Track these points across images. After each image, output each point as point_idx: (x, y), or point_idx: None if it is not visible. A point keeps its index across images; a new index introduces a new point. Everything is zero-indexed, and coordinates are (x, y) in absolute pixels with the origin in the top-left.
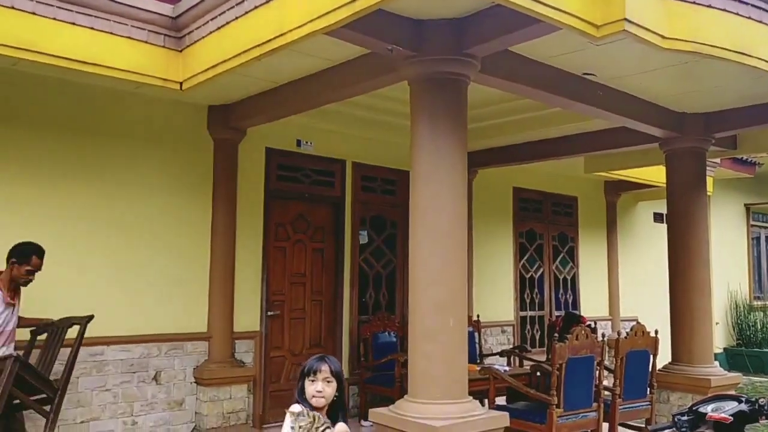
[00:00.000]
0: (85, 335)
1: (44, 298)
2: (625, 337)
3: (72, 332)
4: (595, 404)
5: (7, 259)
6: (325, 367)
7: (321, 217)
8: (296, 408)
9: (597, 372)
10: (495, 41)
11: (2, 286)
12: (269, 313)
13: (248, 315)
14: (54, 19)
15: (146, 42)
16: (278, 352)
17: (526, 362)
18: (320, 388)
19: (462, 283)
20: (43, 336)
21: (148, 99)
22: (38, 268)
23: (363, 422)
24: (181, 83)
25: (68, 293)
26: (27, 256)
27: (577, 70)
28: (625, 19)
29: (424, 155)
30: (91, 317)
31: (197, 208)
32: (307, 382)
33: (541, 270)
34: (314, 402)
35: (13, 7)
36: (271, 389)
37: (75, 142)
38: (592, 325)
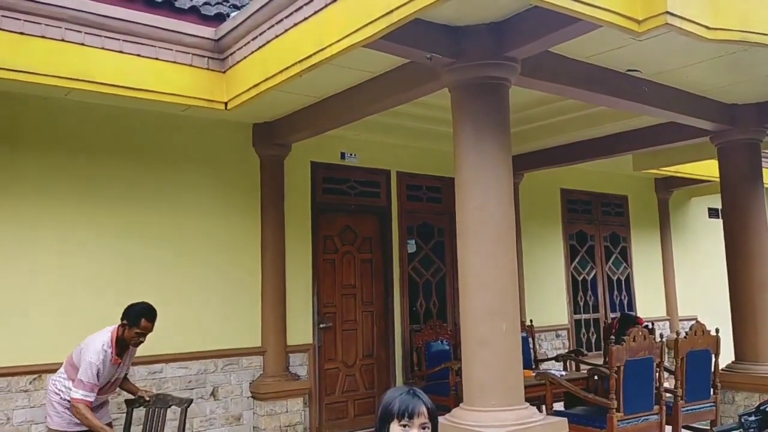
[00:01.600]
0: (144, 353)
1: (104, 317)
2: (685, 337)
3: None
4: (656, 407)
5: (121, 319)
6: (422, 409)
7: (368, 227)
8: None
9: (657, 374)
10: (535, 43)
11: (112, 344)
12: (321, 326)
13: (301, 328)
14: (102, 48)
15: (191, 65)
16: (332, 364)
17: (582, 366)
18: None
19: (513, 287)
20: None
21: (195, 121)
22: (148, 330)
23: None
24: (225, 103)
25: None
26: (137, 319)
27: (621, 67)
28: (668, 12)
29: (469, 161)
30: (190, 401)
31: (247, 225)
32: (395, 427)
33: (594, 272)
34: None
35: (63, 40)
36: (327, 401)
37: (128, 166)
38: (650, 326)
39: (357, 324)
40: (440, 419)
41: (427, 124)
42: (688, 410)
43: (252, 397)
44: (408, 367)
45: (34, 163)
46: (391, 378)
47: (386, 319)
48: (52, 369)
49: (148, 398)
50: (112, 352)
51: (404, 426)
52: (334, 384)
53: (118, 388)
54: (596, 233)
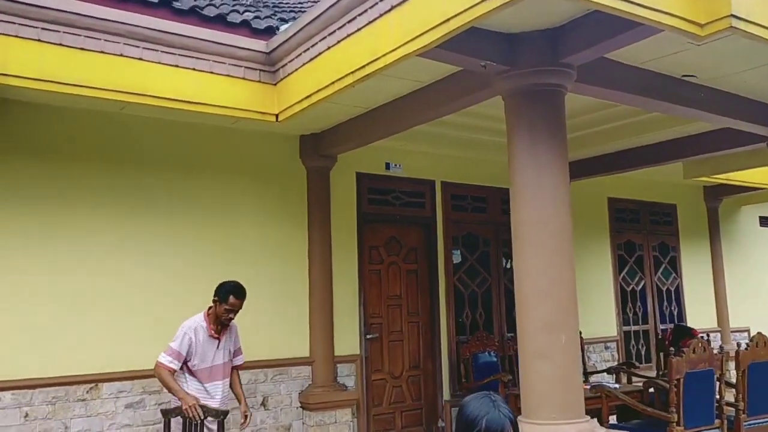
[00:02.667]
0: None
1: (158, 326)
2: (746, 348)
3: None
4: (717, 421)
5: (213, 296)
6: (508, 426)
7: (413, 238)
8: None
9: (717, 386)
10: (592, 49)
11: (209, 320)
12: (368, 336)
13: (348, 338)
14: (159, 63)
15: (243, 78)
16: (379, 375)
17: (635, 379)
18: None
19: (571, 298)
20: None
21: (244, 133)
22: (236, 307)
23: None
24: (276, 115)
25: (177, 322)
26: (226, 296)
27: (677, 72)
28: (732, 15)
29: (525, 170)
30: (226, 412)
31: (294, 236)
32: None
33: (643, 282)
34: None
35: (122, 55)
36: (374, 413)
37: (179, 177)
38: (705, 338)
39: (403, 335)
40: None
41: (473, 134)
42: (750, 424)
43: (301, 407)
44: (455, 378)
45: (91, 176)
46: (438, 390)
47: (432, 330)
48: (108, 378)
49: (247, 420)
50: (206, 325)
51: None
52: (381, 395)
53: (228, 389)
54: (645, 243)
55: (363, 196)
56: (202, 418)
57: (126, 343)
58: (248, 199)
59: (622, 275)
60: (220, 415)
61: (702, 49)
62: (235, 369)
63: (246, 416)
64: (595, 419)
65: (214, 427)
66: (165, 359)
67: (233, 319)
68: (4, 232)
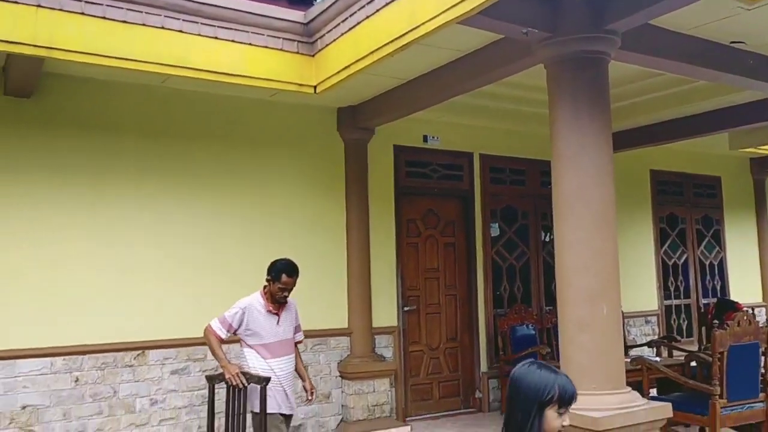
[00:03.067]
0: None
1: (200, 296)
2: None
3: None
4: (762, 394)
5: (266, 275)
6: (576, 394)
7: (451, 211)
8: None
9: (762, 360)
10: (638, 14)
11: (265, 298)
12: (405, 309)
13: (385, 310)
14: (199, 35)
15: (281, 50)
16: (416, 347)
17: (675, 353)
18: (567, 423)
19: (614, 269)
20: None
21: (282, 106)
22: (289, 285)
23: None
24: (314, 86)
25: (218, 292)
26: (279, 274)
27: (725, 39)
28: None
29: (567, 140)
30: (268, 379)
31: (332, 208)
32: (551, 413)
33: (685, 256)
34: None
35: (163, 27)
36: (412, 383)
37: (218, 150)
38: (750, 311)
39: (440, 307)
40: None
41: (512, 105)
42: None
43: (340, 376)
44: (492, 351)
45: (134, 149)
46: (475, 362)
47: (470, 302)
48: (154, 346)
49: (310, 396)
50: (264, 302)
51: (560, 414)
52: (418, 366)
53: (293, 366)
54: (688, 216)
55: (400, 168)
56: (245, 385)
57: (170, 313)
58: (286, 172)
59: (663, 249)
60: (262, 381)
61: (752, 14)
62: (296, 346)
63: (311, 392)
64: (636, 392)
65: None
66: (215, 325)
67: (288, 296)
68: (52, 204)
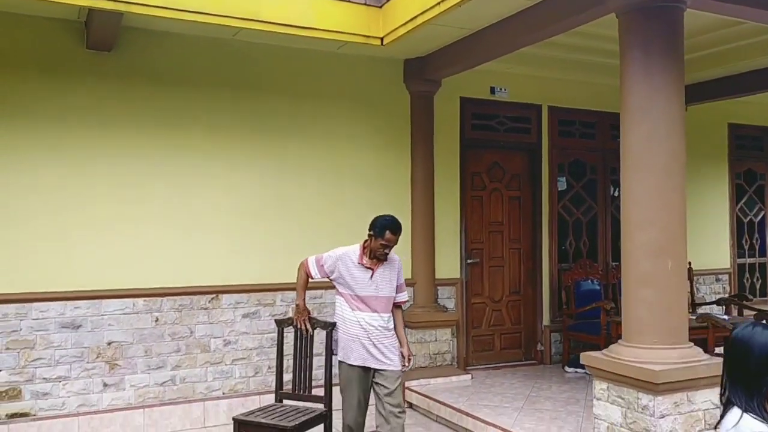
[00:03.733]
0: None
1: (268, 243)
2: None
3: None
4: None
5: (369, 230)
6: None
7: (517, 164)
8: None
9: None
10: None
11: (363, 251)
12: (468, 261)
13: (449, 263)
14: None
15: (349, 1)
16: (479, 299)
17: (746, 312)
18: None
19: (681, 224)
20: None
21: (349, 58)
22: (392, 243)
23: (567, 368)
24: (381, 39)
25: (287, 241)
26: (382, 231)
27: None
28: None
29: (637, 90)
30: (334, 324)
31: (397, 161)
32: None
33: (762, 213)
34: None
35: None
36: (474, 334)
37: (286, 102)
38: None
39: (504, 261)
40: (597, 354)
41: (583, 55)
42: None
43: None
44: (555, 305)
45: (207, 101)
46: (537, 315)
47: (534, 256)
48: (227, 290)
49: (407, 362)
50: (359, 254)
51: None
52: (480, 318)
53: (387, 325)
54: (767, 172)
55: (467, 121)
56: (309, 331)
57: (242, 260)
58: (353, 125)
59: (739, 206)
60: (328, 326)
61: None
62: (398, 308)
63: (408, 358)
64: (699, 347)
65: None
66: (311, 261)
67: (388, 253)
68: (132, 155)
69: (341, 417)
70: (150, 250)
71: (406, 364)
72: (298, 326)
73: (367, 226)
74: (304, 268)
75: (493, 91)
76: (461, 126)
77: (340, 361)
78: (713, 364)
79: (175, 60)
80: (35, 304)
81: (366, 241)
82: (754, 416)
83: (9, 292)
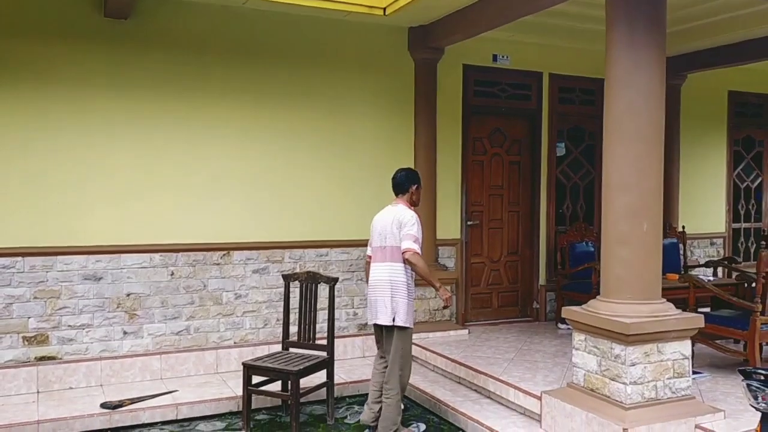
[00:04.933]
0: (313, 238)
1: (279, 203)
2: None
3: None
4: None
5: (412, 184)
6: None
7: (517, 130)
8: None
9: None
10: None
11: (411, 207)
12: (469, 223)
13: (449, 224)
14: None
15: None
16: (478, 259)
17: (735, 274)
18: None
19: (657, 189)
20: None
21: (355, 25)
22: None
23: (560, 325)
24: (384, 9)
25: (294, 202)
26: (420, 181)
27: None
28: None
29: (620, 61)
30: (336, 279)
31: (402, 126)
32: None
33: (760, 179)
34: None
35: None
36: (472, 292)
37: (295, 68)
38: None
39: (503, 223)
40: (578, 309)
41: (583, 23)
42: None
43: None
44: (552, 265)
45: (218, 67)
46: (534, 275)
47: (532, 219)
48: (238, 247)
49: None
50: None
51: None
52: (479, 277)
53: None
54: (766, 139)
55: (469, 88)
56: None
57: (252, 219)
58: (359, 91)
59: (736, 171)
60: (331, 281)
61: None
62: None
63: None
64: (671, 303)
65: None
66: (417, 247)
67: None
68: (146, 119)
69: (405, 378)
70: (166, 208)
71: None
72: (448, 303)
73: (371, 187)
74: (421, 258)
75: (495, 58)
76: (464, 93)
77: (408, 328)
78: (683, 318)
79: (189, 27)
80: (60, 257)
81: (404, 197)
82: None
83: (35, 246)
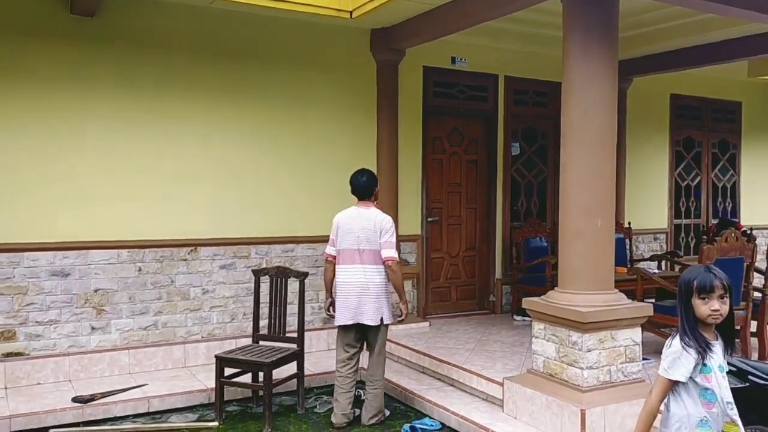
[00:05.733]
0: (279, 234)
1: (245, 201)
2: None
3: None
4: (743, 303)
5: (375, 186)
6: (718, 283)
7: (474, 130)
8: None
9: (746, 273)
10: None
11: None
12: (429, 219)
13: (411, 220)
14: None
15: None
16: (438, 254)
17: (677, 267)
18: (717, 307)
19: (610, 189)
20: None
21: (320, 27)
22: None
23: (515, 317)
24: (351, 12)
25: (260, 198)
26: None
27: None
28: None
29: (576, 71)
30: (306, 274)
31: (364, 124)
32: (696, 301)
33: (699, 178)
34: (710, 321)
35: None
36: (432, 286)
37: (260, 68)
38: (748, 232)
39: (461, 220)
40: (537, 299)
41: (537, 29)
42: None
43: None
44: (507, 260)
45: (184, 66)
46: (491, 269)
47: (488, 216)
48: (205, 243)
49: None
50: None
51: (704, 299)
52: (439, 271)
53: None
54: (704, 140)
55: (429, 89)
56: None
57: (219, 215)
58: (322, 91)
59: (678, 171)
60: (301, 276)
61: None
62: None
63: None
64: (623, 294)
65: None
66: (394, 253)
67: None
68: (113, 116)
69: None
70: (133, 204)
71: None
72: (403, 319)
73: (335, 185)
74: (399, 269)
75: (453, 60)
76: (424, 93)
77: (388, 325)
78: (634, 307)
79: (155, 26)
80: (26, 254)
81: (374, 201)
82: (684, 338)
83: (2, 242)
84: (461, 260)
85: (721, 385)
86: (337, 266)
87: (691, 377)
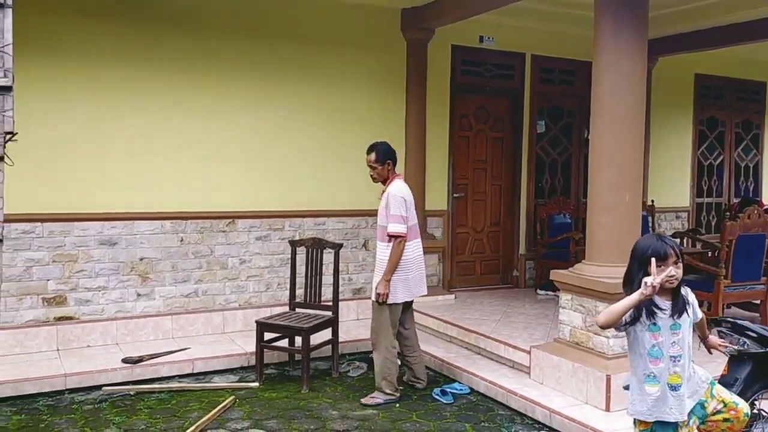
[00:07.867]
0: (312, 208)
1: (281, 175)
2: None
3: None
4: (764, 278)
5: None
6: (671, 251)
7: (501, 108)
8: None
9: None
10: None
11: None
12: (455, 195)
13: (437, 196)
14: None
15: None
16: (463, 229)
17: (699, 244)
18: (674, 273)
19: (638, 164)
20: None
21: (354, 7)
22: (368, 163)
23: (539, 291)
24: None
25: (293, 174)
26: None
27: None
28: None
29: (608, 48)
30: (341, 245)
31: (393, 102)
32: (652, 268)
33: (721, 157)
34: (667, 286)
35: None
36: (457, 260)
37: (294, 47)
38: None
39: (486, 196)
40: (564, 271)
41: (565, 8)
42: None
43: None
44: (531, 236)
45: (223, 44)
46: (515, 244)
47: (513, 192)
48: (242, 216)
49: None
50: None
51: (659, 266)
52: (464, 246)
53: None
54: (728, 119)
55: (457, 67)
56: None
57: (255, 189)
58: (353, 69)
59: (701, 150)
60: (336, 247)
61: None
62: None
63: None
64: None
65: None
66: (400, 228)
67: (375, 177)
68: (156, 93)
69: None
70: (175, 178)
71: (374, 298)
72: (379, 300)
73: (363, 162)
74: (401, 245)
75: (481, 39)
76: (452, 72)
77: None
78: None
79: (192, 4)
80: (77, 223)
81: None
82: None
83: (54, 212)
84: (486, 235)
85: (668, 341)
86: (407, 242)
87: (639, 336)
